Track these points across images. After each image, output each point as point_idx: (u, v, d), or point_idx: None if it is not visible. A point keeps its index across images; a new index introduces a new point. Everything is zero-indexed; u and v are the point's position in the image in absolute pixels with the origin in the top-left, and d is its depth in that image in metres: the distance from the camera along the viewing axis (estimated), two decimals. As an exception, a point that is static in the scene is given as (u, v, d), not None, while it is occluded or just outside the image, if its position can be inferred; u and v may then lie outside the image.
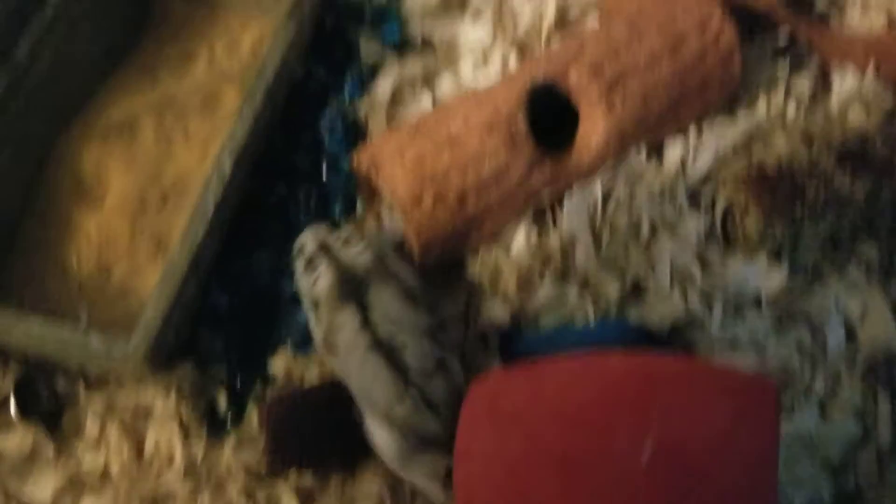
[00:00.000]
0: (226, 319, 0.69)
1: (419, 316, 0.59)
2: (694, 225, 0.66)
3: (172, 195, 0.75)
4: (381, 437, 0.56)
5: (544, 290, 0.64)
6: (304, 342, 0.67)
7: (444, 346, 0.59)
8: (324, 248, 0.61)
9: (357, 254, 0.60)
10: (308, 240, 0.63)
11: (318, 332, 0.61)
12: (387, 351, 0.57)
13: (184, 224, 0.68)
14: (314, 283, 0.60)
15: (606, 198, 0.68)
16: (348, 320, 0.58)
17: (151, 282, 0.69)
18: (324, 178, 0.75)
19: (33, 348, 0.65)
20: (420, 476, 0.57)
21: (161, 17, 0.88)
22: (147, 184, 0.76)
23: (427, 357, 0.57)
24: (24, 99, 0.75)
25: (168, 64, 0.84)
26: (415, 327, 0.58)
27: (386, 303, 0.58)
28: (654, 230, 0.67)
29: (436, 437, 0.55)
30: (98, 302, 0.70)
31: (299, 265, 0.63)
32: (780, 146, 0.67)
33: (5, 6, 0.77)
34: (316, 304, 0.60)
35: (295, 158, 0.76)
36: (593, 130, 0.67)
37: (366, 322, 0.58)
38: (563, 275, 0.66)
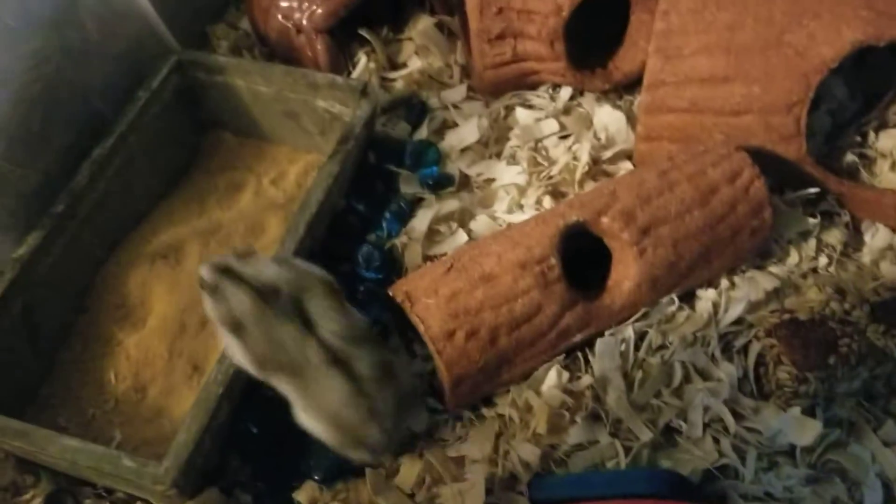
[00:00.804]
0: (254, 448, 0.69)
1: (359, 323, 0.60)
2: (727, 373, 0.66)
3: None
4: (319, 431, 0.58)
5: (575, 432, 0.65)
6: (330, 476, 0.67)
7: (386, 349, 0.60)
8: (225, 272, 0.60)
9: (263, 268, 0.60)
10: (205, 271, 0.61)
11: (247, 354, 0.59)
12: (343, 364, 0.58)
13: (220, 349, 0.70)
14: (229, 306, 0.59)
15: (639, 342, 0.69)
16: (292, 337, 0.58)
17: (185, 403, 0.71)
18: (359, 309, 0.77)
19: (66, 466, 0.66)
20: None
21: (212, 149, 0.94)
22: (188, 307, 0.79)
23: (376, 365, 0.58)
24: (81, 221, 0.79)
25: (216, 193, 0.89)
26: (360, 336, 0.59)
27: (327, 316, 0.59)
28: (686, 376, 0.67)
29: (376, 445, 0.58)
30: (132, 420, 0.72)
31: (206, 300, 0.60)
32: (813, 298, 0.69)
33: (72, 134, 0.84)
34: (238, 327, 0.59)
35: (332, 288, 0.79)
36: (625, 275, 0.69)
37: (317, 337, 0.58)
38: (595, 417, 0.66)
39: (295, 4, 0.94)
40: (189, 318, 0.78)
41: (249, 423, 0.70)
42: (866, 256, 0.73)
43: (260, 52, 1.02)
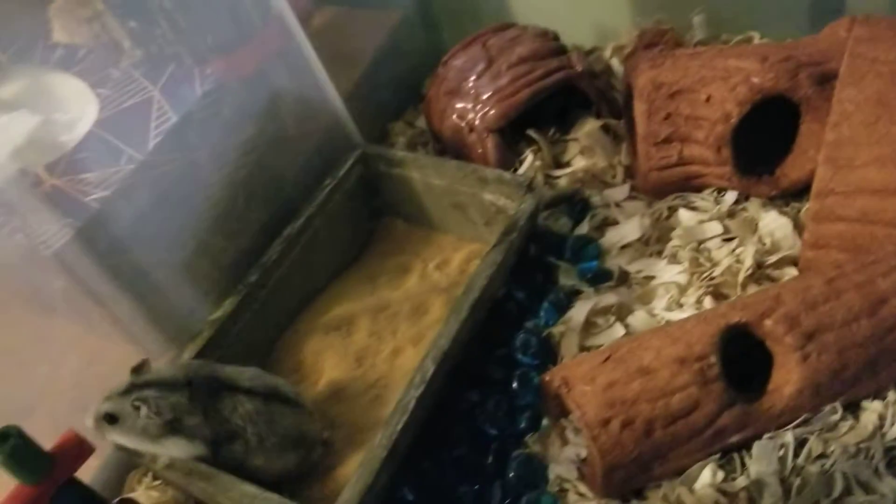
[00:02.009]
0: (409, 514, 0.74)
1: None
2: (891, 488, 0.65)
3: (376, 388, 0.85)
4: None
5: (727, 534, 0.65)
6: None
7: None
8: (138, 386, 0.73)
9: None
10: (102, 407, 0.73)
11: (196, 443, 0.74)
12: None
13: (383, 417, 0.76)
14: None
15: (798, 448, 0.69)
16: (230, 402, 0.75)
17: (347, 466, 0.77)
18: (514, 392, 0.81)
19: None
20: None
21: (384, 234, 1.03)
22: (355, 376, 0.86)
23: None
24: (268, 291, 0.90)
25: (386, 274, 0.98)
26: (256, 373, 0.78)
27: (238, 377, 0.77)
28: (847, 488, 0.66)
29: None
30: (302, 477, 0.79)
31: (129, 418, 0.73)
32: None
33: (266, 214, 0.95)
34: (175, 426, 0.73)
35: (489, 370, 0.84)
36: (787, 379, 0.70)
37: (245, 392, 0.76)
38: (749, 521, 0.66)
39: (469, 106, 1.04)
40: (355, 385, 0.86)
41: (407, 490, 0.75)
42: None
43: (433, 148, 1.12)
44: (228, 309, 0.86)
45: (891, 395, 0.71)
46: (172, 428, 0.73)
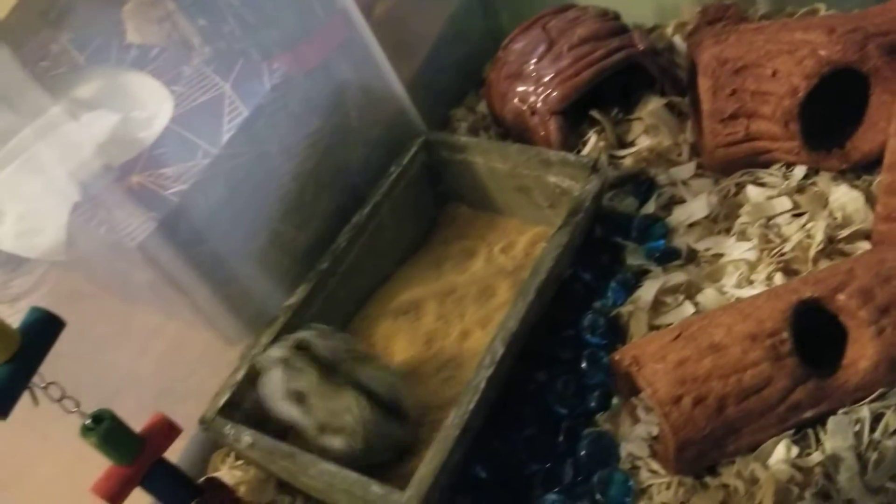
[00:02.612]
0: (482, 493, 0.76)
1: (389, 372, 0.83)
2: (976, 462, 0.64)
3: (446, 370, 0.87)
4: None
5: (803, 509, 0.65)
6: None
7: None
8: (301, 349, 0.78)
9: (332, 345, 0.80)
10: (278, 350, 0.79)
11: (310, 419, 0.78)
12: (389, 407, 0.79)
13: (454, 397, 0.78)
14: (295, 381, 0.78)
15: (874, 423, 0.69)
16: (353, 401, 0.78)
17: (421, 445, 0.80)
18: (583, 372, 0.82)
19: (322, 488, 0.76)
20: None
21: (449, 219, 1.05)
22: (425, 358, 0.89)
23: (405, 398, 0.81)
24: (339, 277, 0.93)
25: (452, 258, 1.00)
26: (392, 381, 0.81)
27: (374, 377, 0.79)
28: (928, 462, 0.66)
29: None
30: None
31: (275, 373, 0.78)
32: None
33: (334, 202, 0.98)
34: (300, 397, 0.78)
35: (557, 351, 0.85)
36: (862, 354, 0.69)
37: (369, 396, 0.78)
38: (824, 496, 0.66)
39: (531, 89, 1.05)
40: (425, 367, 0.88)
41: (479, 468, 0.78)
42: None
43: (495, 133, 1.13)
44: (301, 295, 0.89)
45: (972, 369, 0.70)
46: (297, 398, 0.78)
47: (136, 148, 0.87)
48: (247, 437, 0.78)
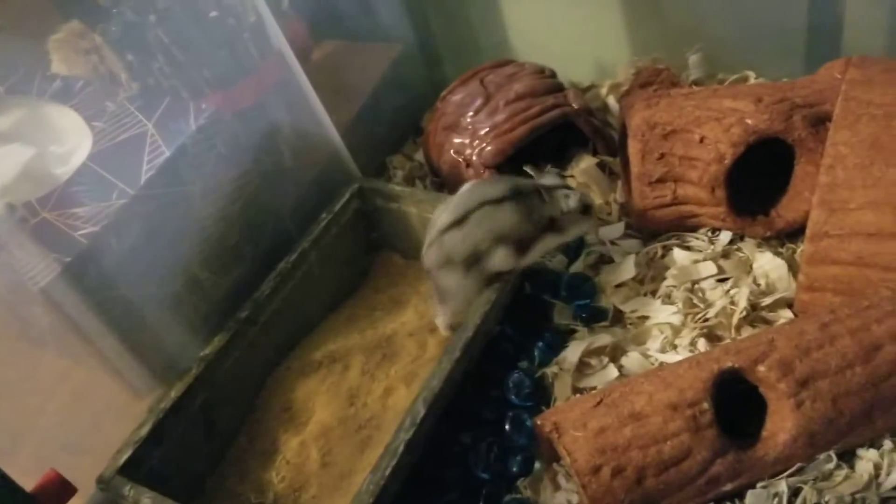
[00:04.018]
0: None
1: None
2: (890, 542, 0.63)
3: (367, 430, 0.84)
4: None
5: (720, 587, 0.63)
6: None
7: None
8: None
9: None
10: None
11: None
12: None
13: (373, 459, 0.75)
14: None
15: (792, 498, 0.68)
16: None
17: (334, 509, 0.76)
18: (506, 434, 0.80)
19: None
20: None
21: (381, 268, 1.03)
22: (346, 416, 0.85)
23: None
24: (260, 327, 0.89)
25: (382, 308, 0.97)
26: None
27: None
28: (844, 541, 0.65)
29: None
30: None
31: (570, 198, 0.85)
32: None
33: (261, 248, 0.95)
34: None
35: (482, 411, 0.83)
36: (781, 427, 0.68)
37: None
38: (742, 573, 0.64)
39: (467, 141, 1.04)
40: (347, 427, 0.84)
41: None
42: None
43: (432, 182, 1.11)
44: (218, 345, 0.85)
45: (887, 444, 0.70)
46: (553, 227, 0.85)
47: (49, 184, 0.82)
48: (146, 499, 0.72)
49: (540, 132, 1.01)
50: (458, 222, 0.83)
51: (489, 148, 1.01)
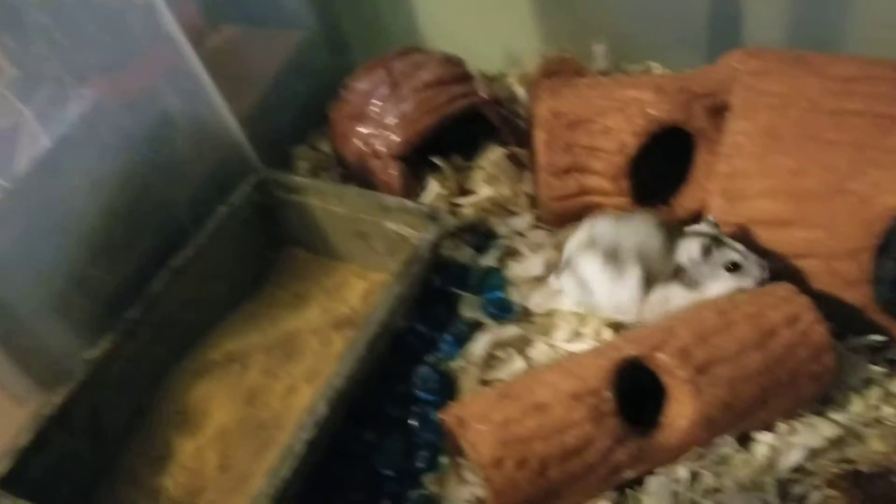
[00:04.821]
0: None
1: None
2: (784, 522, 0.67)
3: (267, 431, 0.83)
4: None
5: (622, 574, 0.65)
6: None
7: None
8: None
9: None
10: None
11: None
12: None
13: (272, 461, 0.74)
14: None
15: (691, 483, 0.70)
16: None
17: (233, 516, 0.75)
18: (412, 430, 0.80)
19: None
20: None
21: (285, 264, 1.01)
22: (245, 418, 0.84)
23: None
24: (152, 327, 0.86)
25: (285, 305, 0.95)
26: None
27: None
28: (741, 523, 0.67)
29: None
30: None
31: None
32: (876, 449, 0.69)
33: (153, 243, 0.92)
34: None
35: (387, 407, 0.83)
36: (681, 413, 0.71)
37: None
38: (644, 559, 0.66)
39: (373, 131, 1.03)
40: (245, 429, 0.83)
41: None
42: (935, 409, 0.73)
43: (338, 174, 1.10)
44: (106, 347, 0.82)
45: (781, 427, 0.73)
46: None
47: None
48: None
49: (448, 122, 1.02)
50: None
51: (397, 138, 1.01)
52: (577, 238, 0.85)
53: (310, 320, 0.93)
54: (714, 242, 0.76)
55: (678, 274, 0.78)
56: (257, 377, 0.88)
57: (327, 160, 1.13)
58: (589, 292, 0.83)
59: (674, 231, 0.79)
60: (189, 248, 0.91)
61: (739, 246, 0.76)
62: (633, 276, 0.79)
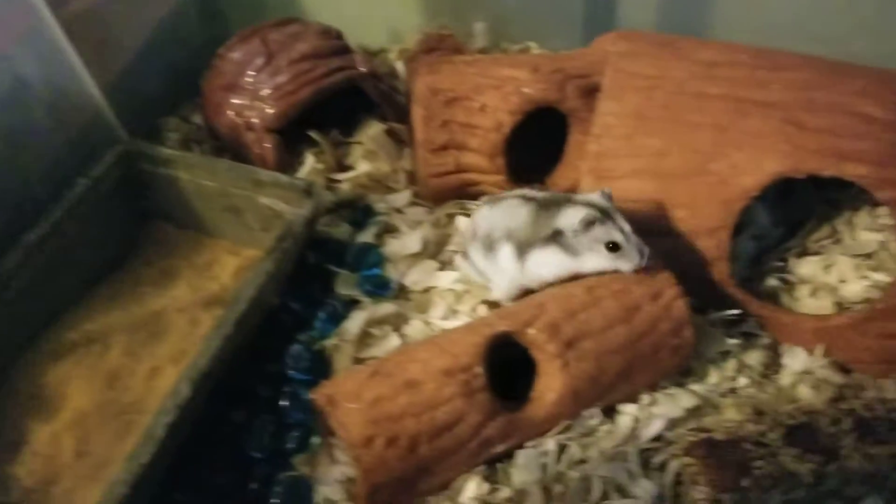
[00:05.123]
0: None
1: None
2: (645, 490, 0.69)
3: (129, 414, 0.79)
4: None
5: (490, 547, 0.66)
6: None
7: None
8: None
9: None
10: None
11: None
12: None
13: (128, 448, 0.71)
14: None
15: (559, 455, 0.72)
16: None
17: (91, 502, 0.71)
18: (283, 410, 0.78)
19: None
20: None
21: (152, 239, 0.97)
22: (105, 402, 0.80)
23: None
24: (5, 306, 0.81)
25: (152, 283, 0.92)
26: None
27: None
28: (605, 492, 0.70)
29: None
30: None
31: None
32: (731, 418, 0.72)
33: (5, 216, 0.86)
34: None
35: (258, 388, 0.81)
36: (549, 387, 0.72)
37: None
38: (511, 531, 0.68)
39: (247, 103, 1.00)
40: (105, 413, 0.79)
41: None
42: (785, 379, 0.78)
43: (211, 147, 1.07)
44: (-50, 328, 0.76)
45: (645, 399, 0.76)
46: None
47: None
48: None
49: (325, 95, 1.00)
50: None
51: (271, 110, 0.98)
52: (466, 228, 0.85)
53: (177, 298, 0.90)
54: (602, 216, 0.74)
55: (555, 237, 0.76)
56: (119, 359, 0.84)
57: (199, 132, 1.09)
58: (485, 278, 0.85)
59: (560, 199, 0.79)
60: (44, 223, 0.85)
61: (627, 227, 0.75)
62: (504, 251, 0.80)
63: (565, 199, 0.79)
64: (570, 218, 0.75)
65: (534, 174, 0.93)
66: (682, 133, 0.79)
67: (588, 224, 0.75)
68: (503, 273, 0.82)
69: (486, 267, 0.83)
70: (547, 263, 0.78)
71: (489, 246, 0.82)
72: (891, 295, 0.75)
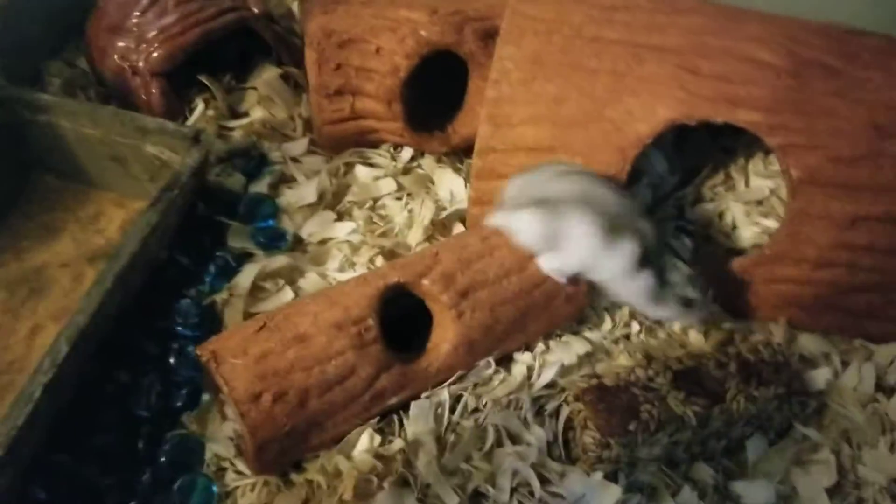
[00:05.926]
0: (43, 517, 0.67)
1: None
2: (537, 437, 0.70)
3: (8, 375, 0.76)
4: None
5: (382, 498, 0.66)
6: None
7: None
8: None
9: None
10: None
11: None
12: None
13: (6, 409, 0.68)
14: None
15: (454, 405, 0.72)
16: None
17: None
18: (171, 368, 0.76)
19: None
20: None
21: (33, 192, 0.92)
22: (-20, 365, 0.76)
23: None
24: None
25: (32, 237, 0.88)
26: None
27: None
28: (498, 440, 0.70)
29: None
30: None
31: None
32: (621, 364, 0.74)
33: None
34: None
35: (145, 345, 0.78)
36: (444, 337, 0.72)
37: None
38: (404, 482, 0.68)
39: (132, 45, 0.95)
40: (-21, 377, 0.76)
41: (38, 489, 0.68)
42: (676, 325, 0.80)
43: (97, 93, 1.01)
44: None
45: (539, 347, 0.77)
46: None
47: None
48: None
49: (215, 37, 0.96)
50: None
51: (157, 53, 0.94)
52: (560, 185, 0.75)
53: (60, 253, 0.86)
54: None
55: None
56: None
57: (84, 78, 1.04)
58: (558, 245, 0.74)
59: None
60: None
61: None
62: (627, 250, 0.73)
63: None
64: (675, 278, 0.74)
65: (434, 121, 0.92)
66: (580, 78, 0.79)
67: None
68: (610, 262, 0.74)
69: (589, 243, 0.73)
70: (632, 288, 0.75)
71: (609, 229, 0.73)
72: (777, 241, 0.77)
